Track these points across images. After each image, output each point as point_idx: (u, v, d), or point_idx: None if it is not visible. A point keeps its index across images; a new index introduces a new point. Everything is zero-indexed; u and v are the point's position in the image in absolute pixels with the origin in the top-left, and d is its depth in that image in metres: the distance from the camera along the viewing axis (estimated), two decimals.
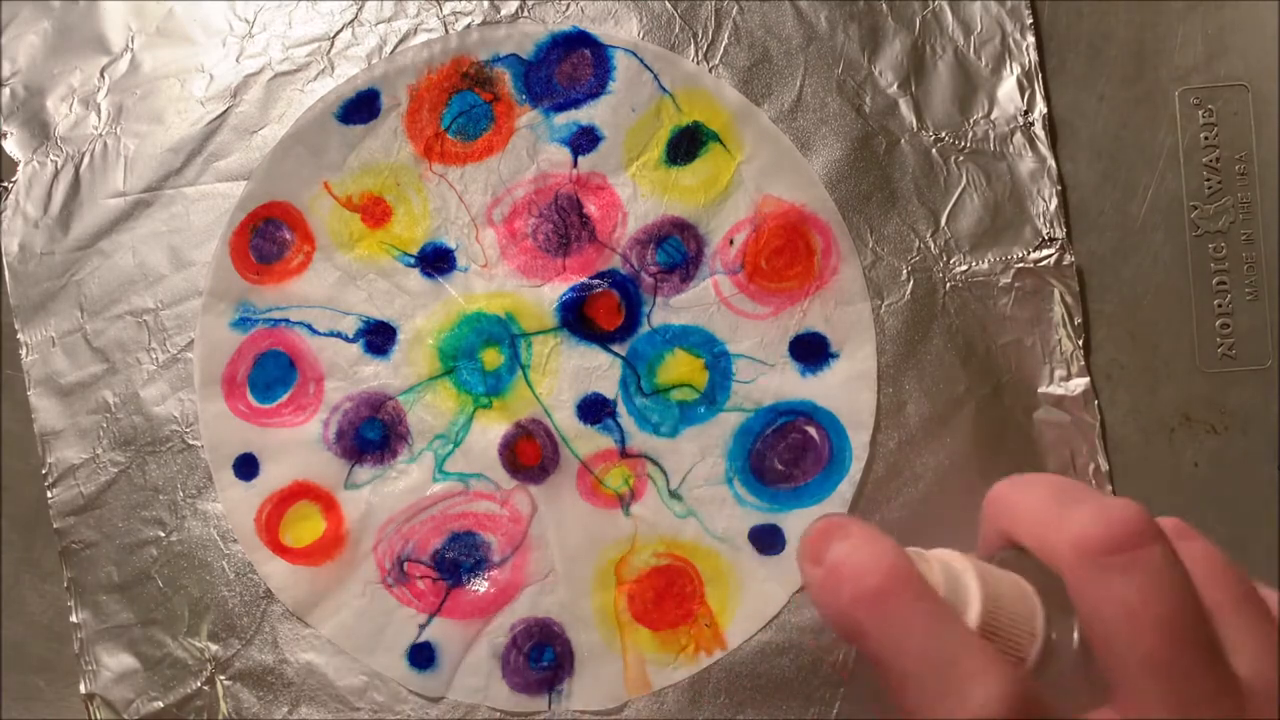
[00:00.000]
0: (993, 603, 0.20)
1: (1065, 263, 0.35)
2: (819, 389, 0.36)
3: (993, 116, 0.36)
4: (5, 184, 0.37)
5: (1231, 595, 0.19)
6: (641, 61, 0.36)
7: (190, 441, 0.37)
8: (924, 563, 0.21)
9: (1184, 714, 0.17)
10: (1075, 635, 0.20)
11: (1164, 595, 0.18)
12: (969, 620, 0.20)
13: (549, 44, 0.36)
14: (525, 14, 0.36)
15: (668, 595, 0.36)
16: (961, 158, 0.36)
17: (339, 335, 0.37)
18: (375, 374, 0.36)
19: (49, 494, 0.37)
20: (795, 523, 0.36)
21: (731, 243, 0.36)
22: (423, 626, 0.36)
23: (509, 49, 0.36)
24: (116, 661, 0.36)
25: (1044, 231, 0.35)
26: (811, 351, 0.36)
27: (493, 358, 0.36)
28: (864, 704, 0.35)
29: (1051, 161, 0.35)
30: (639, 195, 0.36)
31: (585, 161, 0.36)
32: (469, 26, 0.36)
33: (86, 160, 0.37)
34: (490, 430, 0.36)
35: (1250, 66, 0.36)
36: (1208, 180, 0.36)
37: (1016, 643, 0.20)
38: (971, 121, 0.36)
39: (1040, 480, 0.22)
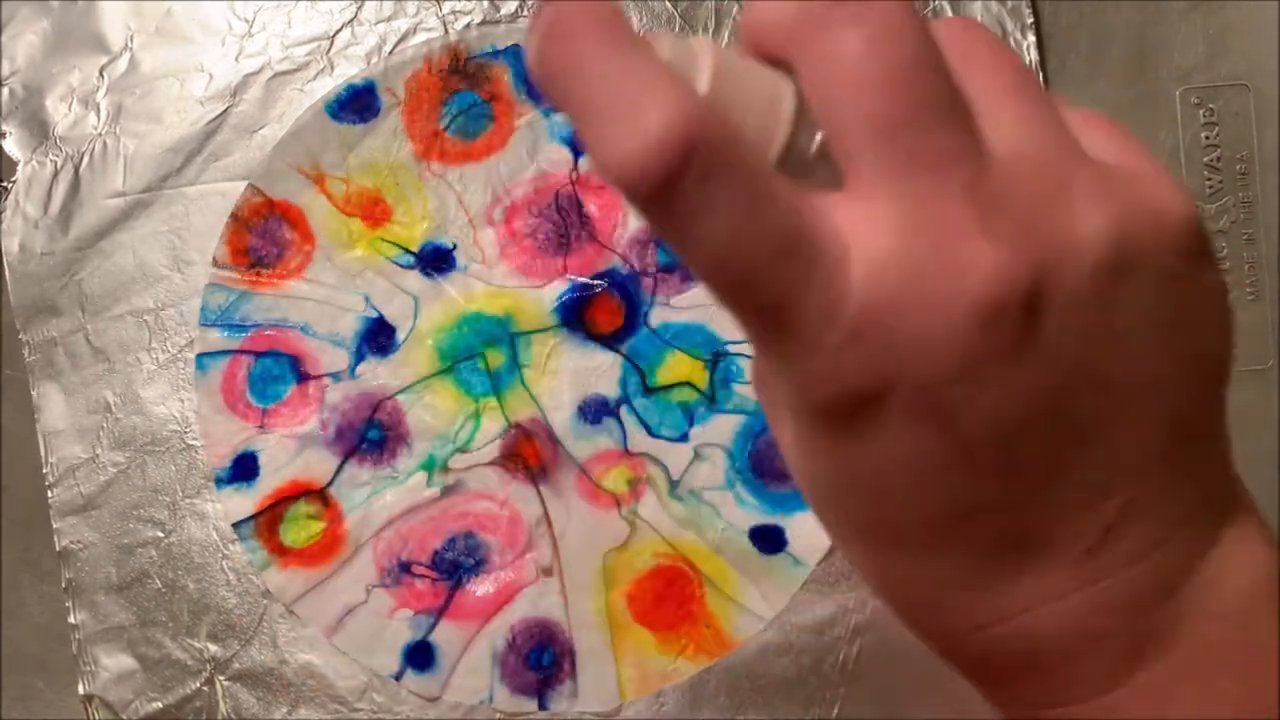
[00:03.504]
0: (724, 80, 0.16)
1: None
2: None
3: None
4: (5, 184, 0.37)
5: (1001, 77, 0.16)
6: None
7: (190, 441, 0.37)
8: (653, 36, 0.17)
9: (912, 177, 0.15)
10: (817, 139, 0.17)
11: (892, 45, 0.15)
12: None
13: None
14: (525, 13, 0.36)
15: (668, 596, 0.36)
16: None
17: (338, 335, 0.36)
18: (375, 374, 0.36)
19: (49, 494, 0.37)
20: (796, 523, 0.35)
21: None
22: (423, 627, 0.36)
23: (509, 43, 0.36)
24: (115, 662, 0.36)
25: None
26: None
27: (493, 357, 0.36)
28: (866, 704, 0.35)
29: None
30: None
31: (585, 161, 0.36)
32: (468, 25, 0.36)
33: (86, 160, 0.37)
34: (490, 430, 0.36)
35: (1251, 66, 0.36)
36: (1208, 180, 0.36)
37: (754, 123, 0.16)
38: None
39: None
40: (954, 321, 0.15)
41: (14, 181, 0.37)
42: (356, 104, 0.36)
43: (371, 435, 0.36)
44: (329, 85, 0.36)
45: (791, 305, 0.15)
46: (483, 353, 0.36)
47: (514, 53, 0.36)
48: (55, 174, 0.37)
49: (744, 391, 0.36)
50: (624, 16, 0.16)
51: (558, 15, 0.16)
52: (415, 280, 0.36)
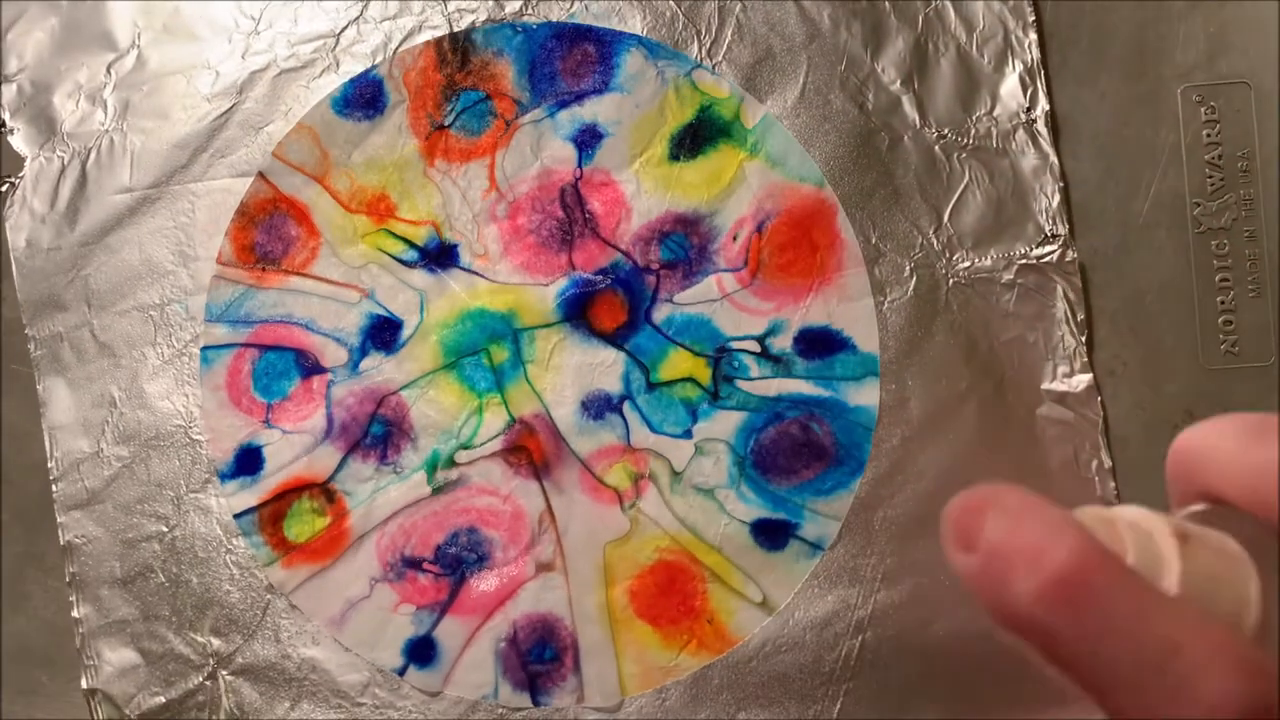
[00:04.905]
0: (1192, 565, 0.16)
1: (1068, 259, 0.35)
2: (822, 385, 0.36)
3: (995, 113, 0.36)
4: (12, 179, 0.37)
5: None
6: (646, 57, 0.36)
7: (194, 436, 0.37)
8: (1106, 526, 0.17)
9: None
10: None
11: None
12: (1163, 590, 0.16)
13: (554, 32, 0.36)
14: (529, 11, 0.37)
15: (670, 591, 0.36)
16: (964, 154, 0.36)
17: (343, 330, 0.37)
18: (379, 369, 0.37)
19: (54, 488, 0.37)
20: (798, 520, 0.35)
21: (735, 239, 0.36)
22: (425, 622, 0.36)
23: (509, 32, 0.36)
24: (118, 656, 0.36)
25: (1046, 228, 0.36)
26: (815, 347, 0.36)
27: (497, 353, 0.36)
28: (868, 701, 0.35)
29: (1054, 158, 0.36)
30: (642, 191, 0.36)
31: (589, 158, 0.36)
32: (473, 23, 0.37)
33: (93, 156, 0.37)
34: (493, 426, 0.36)
35: (1252, 64, 0.36)
36: (1210, 177, 0.36)
37: (1226, 611, 0.17)
38: (974, 118, 0.36)
39: (1230, 420, 0.18)
40: None
41: (21, 177, 0.37)
42: (362, 101, 0.37)
43: (375, 430, 0.36)
44: (334, 83, 0.37)
45: None
46: (486, 348, 0.36)
47: (518, 50, 0.37)
48: (62, 170, 0.37)
49: (746, 388, 0.36)
50: (1097, 541, 0.16)
51: (1017, 545, 0.16)
52: (419, 276, 0.37)
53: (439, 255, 0.37)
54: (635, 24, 0.36)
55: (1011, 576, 0.16)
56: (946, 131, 0.36)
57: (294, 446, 0.36)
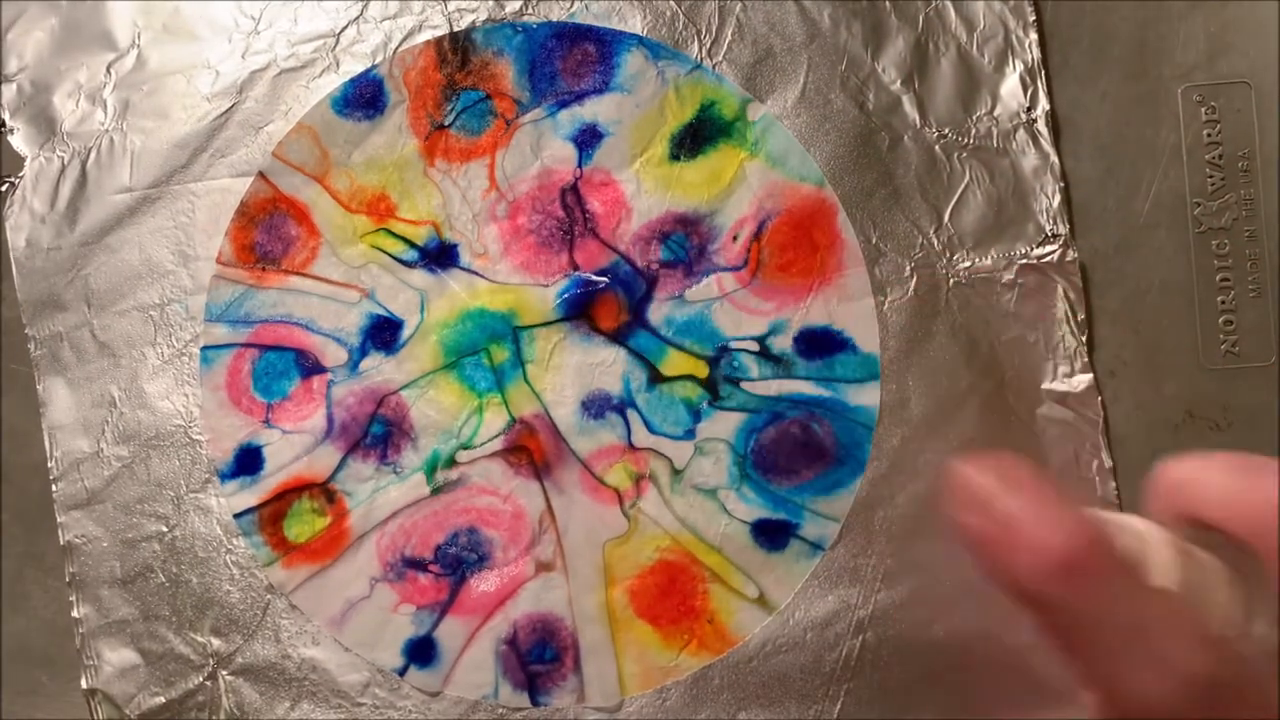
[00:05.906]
0: (1185, 576, 0.19)
1: (1068, 259, 0.35)
2: (822, 385, 0.36)
3: (996, 113, 0.36)
4: (12, 179, 0.37)
5: None
6: (647, 57, 0.36)
7: (194, 436, 0.37)
8: (1111, 528, 0.19)
9: None
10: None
11: None
12: None
13: (554, 32, 0.36)
14: (529, 10, 0.37)
15: (671, 591, 0.36)
16: (964, 154, 0.36)
17: (343, 330, 0.37)
18: (379, 369, 0.36)
19: (54, 488, 0.37)
20: (800, 520, 0.35)
21: (735, 238, 0.36)
22: (425, 622, 0.36)
23: (509, 31, 0.36)
24: (118, 656, 0.36)
25: (1047, 228, 0.36)
26: (815, 347, 0.36)
27: (497, 353, 0.36)
28: (869, 701, 0.35)
29: (1054, 158, 0.36)
30: (643, 191, 0.36)
31: (589, 158, 0.36)
32: (473, 24, 0.37)
33: (93, 156, 0.37)
34: (494, 426, 0.36)
35: (1253, 64, 0.36)
36: (1210, 177, 0.36)
37: (1210, 614, 0.19)
38: (974, 118, 0.36)
39: (1219, 457, 0.20)
40: None
41: (21, 177, 0.37)
42: (362, 101, 0.37)
43: (375, 430, 0.36)
44: (334, 82, 0.37)
45: None
46: (486, 348, 0.36)
47: (518, 49, 0.37)
48: (62, 170, 0.37)
49: (747, 388, 0.36)
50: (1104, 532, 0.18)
51: (1028, 525, 0.18)
52: (419, 276, 0.37)
53: (439, 255, 0.37)
54: (635, 24, 0.36)
55: (1018, 554, 0.17)
56: (947, 131, 0.36)
57: (294, 446, 0.36)
